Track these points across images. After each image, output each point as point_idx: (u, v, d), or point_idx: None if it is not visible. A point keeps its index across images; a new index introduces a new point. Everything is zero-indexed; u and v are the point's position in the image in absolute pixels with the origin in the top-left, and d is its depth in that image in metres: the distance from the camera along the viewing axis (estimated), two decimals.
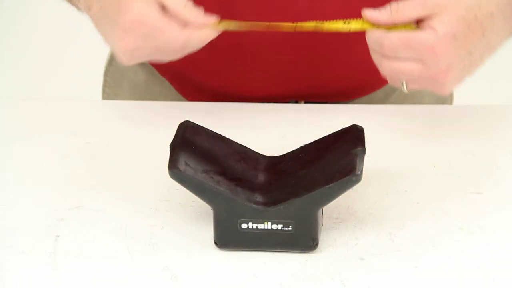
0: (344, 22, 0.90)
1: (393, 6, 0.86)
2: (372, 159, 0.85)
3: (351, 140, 0.86)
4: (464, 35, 0.85)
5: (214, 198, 0.84)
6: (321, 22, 0.90)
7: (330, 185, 0.82)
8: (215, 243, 0.87)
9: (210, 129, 0.89)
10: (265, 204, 0.84)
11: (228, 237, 0.86)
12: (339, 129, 0.88)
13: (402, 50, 0.85)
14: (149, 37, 0.85)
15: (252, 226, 0.85)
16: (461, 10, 0.85)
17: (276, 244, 0.86)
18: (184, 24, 0.88)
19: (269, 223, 0.85)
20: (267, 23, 0.91)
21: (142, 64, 1.22)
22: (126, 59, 0.89)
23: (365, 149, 0.85)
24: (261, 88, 1.14)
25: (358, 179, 0.82)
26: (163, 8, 0.88)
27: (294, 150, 0.90)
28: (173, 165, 0.84)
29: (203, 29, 0.88)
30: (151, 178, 0.97)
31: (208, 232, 0.87)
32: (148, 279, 0.84)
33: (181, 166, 0.84)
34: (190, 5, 0.88)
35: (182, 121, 0.89)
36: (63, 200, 0.94)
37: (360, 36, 1.09)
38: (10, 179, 0.99)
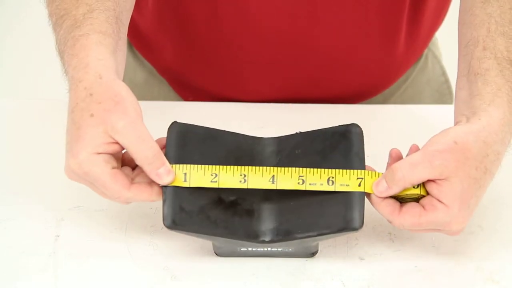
0: (328, 181, 0.81)
1: (398, 173, 0.80)
2: (372, 159, 0.85)
3: (349, 151, 0.83)
4: (477, 195, 0.80)
5: (213, 239, 0.83)
6: (303, 173, 0.82)
7: (330, 234, 0.81)
8: (215, 253, 0.87)
9: (200, 125, 0.86)
10: (264, 241, 0.82)
11: (228, 253, 0.86)
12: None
13: (415, 228, 0.81)
14: (92, 184, 0.81)
15: (252, 249, 0.85)
16: (472, 169, 0.79)
17: (276, 256, 0.86)
18: (132, 180, 0.82)
19: (269, 248, 0.84)
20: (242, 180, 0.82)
21: (142, 64, 1.22)
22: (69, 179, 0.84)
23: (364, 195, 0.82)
24: (258, 94, 1.13)
25: (358, 230, 0.80)
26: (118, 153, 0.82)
27: (289, 139, 0.87)
28: (169, 219, 0.80)
29: (150, 193, 0.81)
30: None
31: None
32: (148, 279, 0.84)
33: (176, 218, 0.80)
34: (157, 155, 0.81)
35: (180, 121, 0.87)
36: (63, 200, 0.94)
37: (360, 44, 1.10)
38: (10, 179, 0.98)
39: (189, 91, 1.19)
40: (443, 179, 0.79)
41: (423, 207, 0.80)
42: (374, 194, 0.81)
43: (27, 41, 2.70)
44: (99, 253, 0.87)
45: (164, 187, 0.81)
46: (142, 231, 0.90)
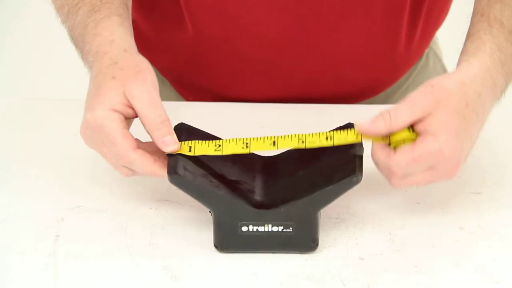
0: (327, 138, 0.84)
1: (385, 115, 0.83)
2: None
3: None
4: (463, 127, 0.83)
5: (214, 202, 0.84)
6: (303, 136, 0.85)
7: (330, 186, 0.82)
8: (215, 246, 0.87)
9: (205, 131, 0.89)
10: (266, 206, 0.84)
11: (229, 240, 0.86)
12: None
13: (412, 167, 0.83)
14: (101, 141, 0.85)
15: (253, 229, 0.85)
16: (453, 103, 0.83)
17: (277, 245, 0.86)
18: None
19: (270, 226, 0.85)
20: (245, 144, 0.85)
21: None
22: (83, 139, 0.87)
23: (363, 147, 0.85)
24: (261, 93, 1.14)
25: (358, 180, 0.82)
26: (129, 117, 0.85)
27: (289, 149, 0.90)
28: (172, 171, 0.83)
29: (153, 163, 0.84)
30: (151, 178, 0.96)
31: (208, 232, 0.87)
32: (148, 279, 0.84)
33: (180, 171, 0.83)
34: (166, 123, 0.84)
35: (181, 121, 0.88)
36: (63, 200, 0.94)
37: (363, 43, 1.10)
38: (11, 179, 0.99)
39: (190, 90, 1.20)
40: (427, 115, 0.83)
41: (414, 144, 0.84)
42: (371, 130, 0.84)
43: (27, 41, 2.70)
44: (99, 253, 0.87)
45: (169, 154, 0.85)
46: (142, 231, 0.90)
